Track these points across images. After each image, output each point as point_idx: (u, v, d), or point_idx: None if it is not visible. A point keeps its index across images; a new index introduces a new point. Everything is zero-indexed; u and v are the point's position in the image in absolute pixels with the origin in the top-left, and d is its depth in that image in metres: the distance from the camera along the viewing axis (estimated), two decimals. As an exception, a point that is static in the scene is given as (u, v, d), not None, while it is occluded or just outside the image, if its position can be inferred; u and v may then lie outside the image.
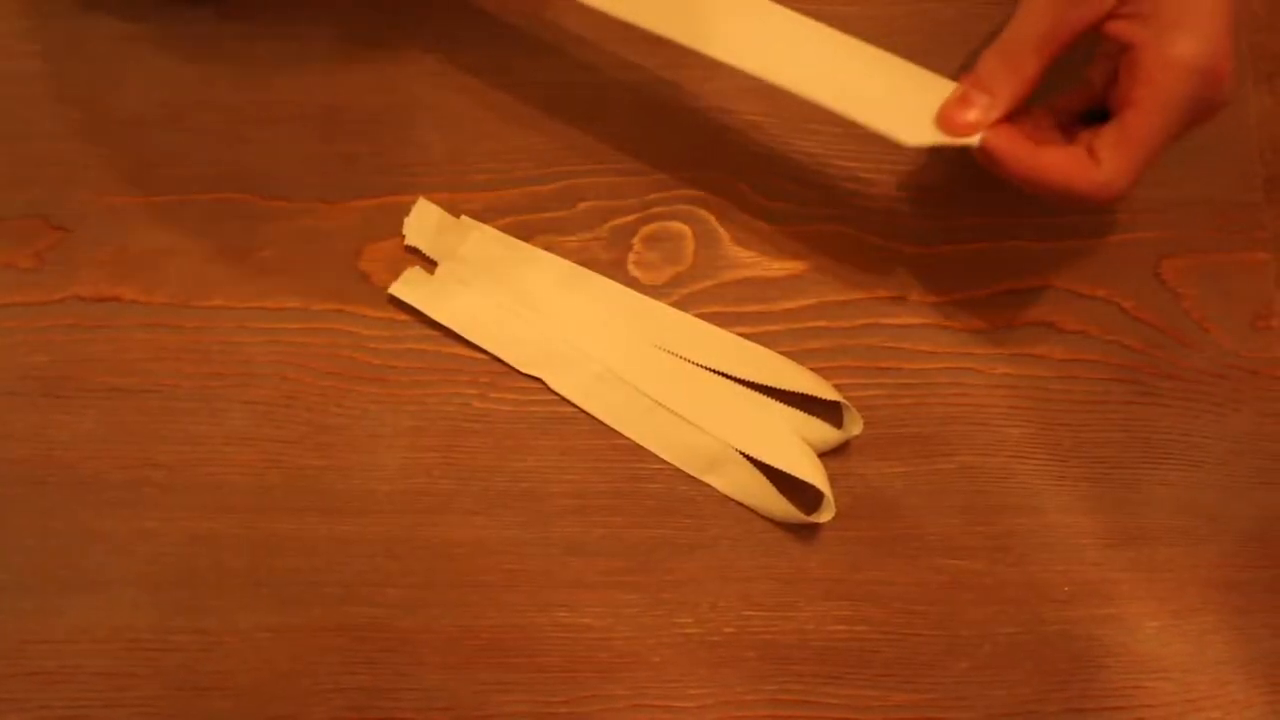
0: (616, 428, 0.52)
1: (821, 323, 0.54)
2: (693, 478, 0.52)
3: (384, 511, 0.51)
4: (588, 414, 0.52)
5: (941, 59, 0.50)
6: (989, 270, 0.55)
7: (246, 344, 0.52)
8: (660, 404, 0.52)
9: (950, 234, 0.55)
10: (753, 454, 0.51)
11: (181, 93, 0.54)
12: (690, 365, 0.53)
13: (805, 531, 0.52)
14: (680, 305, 0.53)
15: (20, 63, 0.55)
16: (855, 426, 0.52)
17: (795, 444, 0.51)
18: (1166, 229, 0.56)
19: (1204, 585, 0.52)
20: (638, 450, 0.52)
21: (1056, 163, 0.47)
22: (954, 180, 0.56)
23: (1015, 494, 0.53)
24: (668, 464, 0.52)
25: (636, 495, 0.52)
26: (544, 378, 0.52)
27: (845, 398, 0.52)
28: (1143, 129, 0.46)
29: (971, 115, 0.48)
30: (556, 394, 0.52)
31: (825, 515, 0.51)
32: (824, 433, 0.52)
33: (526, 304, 0.53)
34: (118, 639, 0.49)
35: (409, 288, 0.53)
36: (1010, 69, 0.48)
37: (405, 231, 0.53)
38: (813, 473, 0.51)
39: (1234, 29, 0.46)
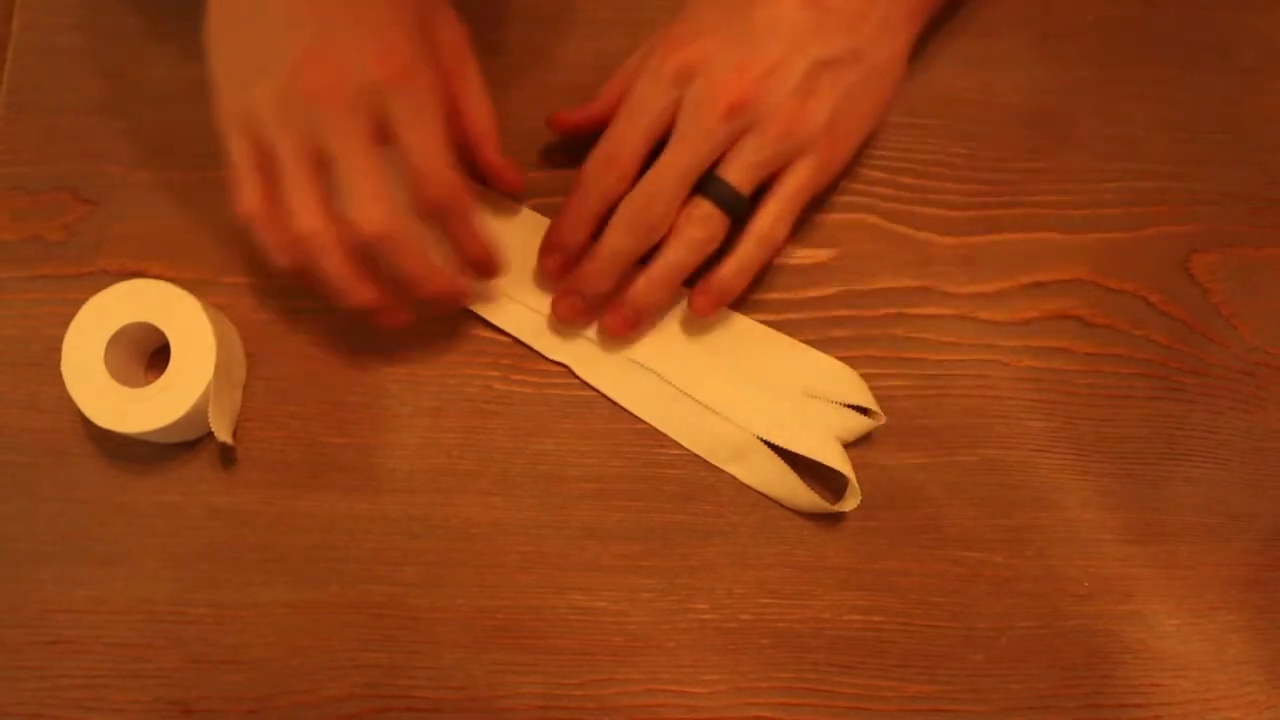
0: (641, 415, 0.52)
1: (845, 312, 0.53)
2: (712, 464, 0.52)
3: (403, 491, 0.51)
4: (607, 396, 0.52)
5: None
6: (1016, 262, 0.54)
7: (270, 321, 0.52)
8: (684, 393, 0.52)
9: (978, 225, 0.54)
10: (777, 441, 0.51)
11: (210, 69, 0.54)
12: (715, 354, 0.52)
13: (823, 520, 0.52)
14: (703, 291, 0.53)
15: (52, 36, 0.55)
16: (879, 419, 0.52)
17: (819, 431, 0.51)
18: (1197, 223, 0.55)
19: (1226, 584, 0.52)
20: (657, 435, 0.52)
21: None
22: (982, 170, 0.55)
23: (1036, 488, 0.52)
24: (687, 450, 0.52)
25: (655, 480, 0.52)
26: (569, 364, 0.52)
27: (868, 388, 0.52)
28: None
29: None
30: (580, 379, 0.52)
31: (851, 503, 0.50)
32: (847, 421, 0.52)
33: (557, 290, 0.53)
34: (136, 610, 0.50)
35: None
36: None
37: None
38: (837, 459, 0.50)
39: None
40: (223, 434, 0.49)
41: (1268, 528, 0.52)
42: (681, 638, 0.51)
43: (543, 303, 0.53)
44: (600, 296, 0.51)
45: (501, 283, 0.52)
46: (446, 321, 0.53)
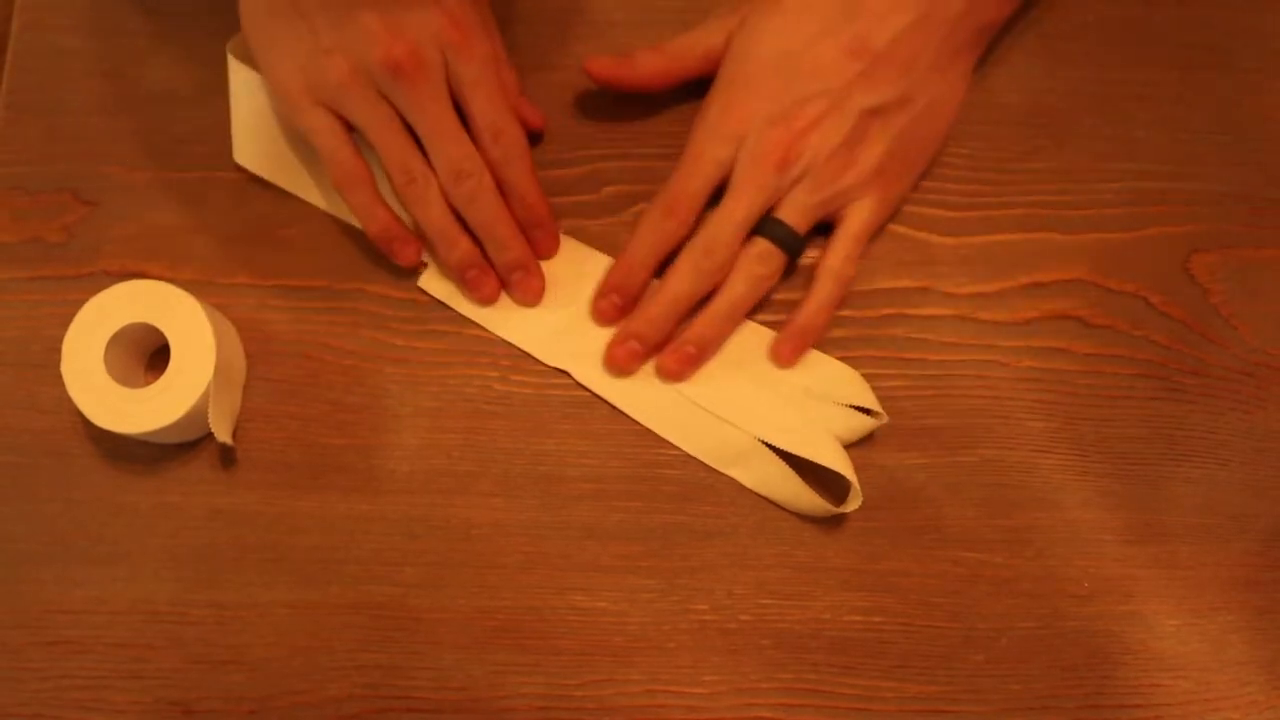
0: (642, 420, 0.52)
1: (845, 312, 0.53)
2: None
3: (403, 491, 0.51)
4: (610, 404, 0.52)
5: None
6: (1016, 262, 0.54)
7: (270, 321, 0.53)
8: (686, 397, 0.52)
9: (978, 225, 0.54)
10: (779, 445, 0.51)
11: (210, 70, 0.54)
12: (715, 358, 0.52)
13: (824, 521, 0.52)
14: (703, 291, 0.53)
15: (53, 37, 0.55)
16: (881, 419, 0.52)
17: (820, 433, 0.51)
18: (1197, 223, 0.55)
19: (1225, 584, 0.52)
20: (657, 436, 0.52)
21: None
22: (982, 170, 0.55)
23: (1036, 488, 0.52)
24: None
25: (655, 480, 0.52)
26: (570, 370, 0.52)
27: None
28: None
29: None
30: (581, 385, 0.52)
31: (853, 504, 0.50)
32: (850, 422, 0.52)
33: (554, 297, 0.53)
34: (137, 611, 0.50)
35: (437, 281, 0.53)
36: None
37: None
38: (839, 461, 0.50)
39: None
40: (222, 435, 0.49)
41: (1268, 528, 0.52)
42: (681, 638, 0.51)
43: (541, 310, 0.53)
44: (660, 341, 0.52)
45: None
46: (446, 322, 0.53)
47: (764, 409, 0.52)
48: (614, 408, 0.52)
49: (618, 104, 0.55)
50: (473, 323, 0.53)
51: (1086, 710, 0.51)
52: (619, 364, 0.52)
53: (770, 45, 0.51)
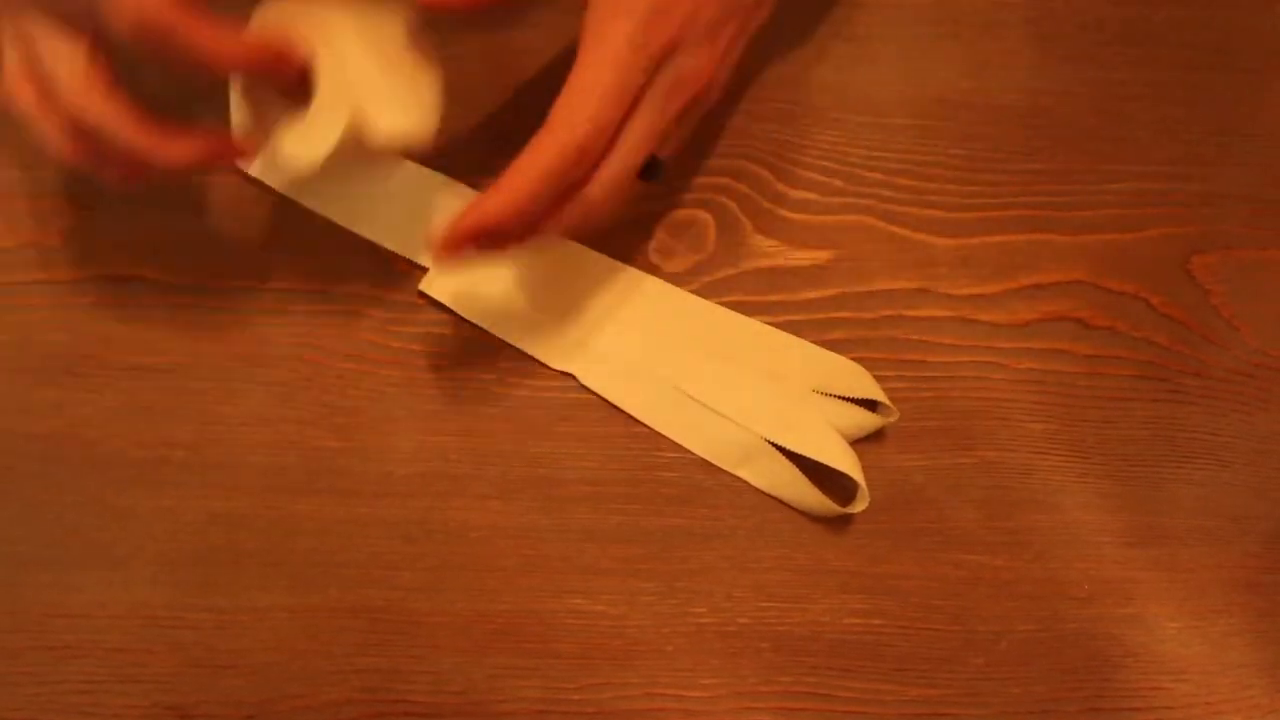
0: (649, 422, 0.52)
1: (844, 313, 0.53)
2: (711, 467, 0.52)
3: (400, 494, 0.51)
4: (607, 401, 0.52)
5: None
6: (1016, 263, 0.54)
7: (266, 325, 0.52)
8: (692, 397, 0.52)
9: (976, 226, 0.54)
10: (786, 444, 0.51)
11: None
12: (721, 357, 0.52)
13: (822, 523, 0.51)
14: (701, 294, 0.53)
15: (48, 40, 0.55)
16: (891, 414, 0.51)
17: (828, 433, 0.51)
18: (1197, 224, 0.55)
19: (1227, 587, 0.52)
20: (654, 438, 0.52)
21: None
22: (981, 171, 0.55)
23: (1036, 490, 0.52)
24: (685, 452, 0.52)
25: (653, 483, 0.52)
26: (575, 373, 0.52)
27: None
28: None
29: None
30: (586, 387, 0.52)
31: (860, 505, 0.50)
32: (858, 418, 0.51)
33: (558, 300, 0.53)
34: (134, 615, 0.50)
35: (439, 285, 0.52)
36: None
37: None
38: (847, 462, 0.50)
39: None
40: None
41: (1269, 530, 0.52)
42: (680, 641, 0.50)
43: (546, 314, 0.53)
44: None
45: (501, 293, 0.53)
46: (443, 325, 0.53)
47: (770, 408, 0.51)
48: (611, 409, 0.52)
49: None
50: (470, 325, 0.52)
51: (1087, 714, 0.50)
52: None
53: None
